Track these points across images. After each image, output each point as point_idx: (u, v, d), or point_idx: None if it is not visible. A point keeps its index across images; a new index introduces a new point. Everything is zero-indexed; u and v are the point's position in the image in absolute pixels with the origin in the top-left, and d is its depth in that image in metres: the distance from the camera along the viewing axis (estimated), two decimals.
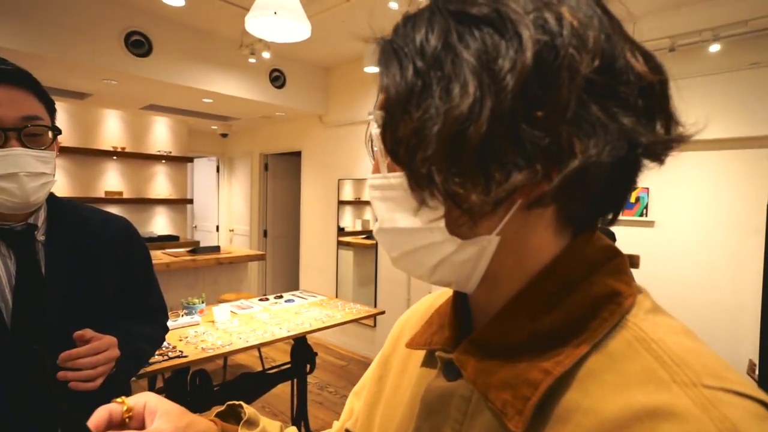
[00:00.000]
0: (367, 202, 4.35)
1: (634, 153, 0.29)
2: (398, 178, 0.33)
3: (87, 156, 4.39)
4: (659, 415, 0.26)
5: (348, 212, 4.49)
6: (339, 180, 4.32)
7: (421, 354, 0.46)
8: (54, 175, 0.87)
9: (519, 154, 0.28)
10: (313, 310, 2.64)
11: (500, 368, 0.33)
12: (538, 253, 0.34)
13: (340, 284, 4.40)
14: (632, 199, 2.84)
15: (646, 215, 2.81)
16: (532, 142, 0.28)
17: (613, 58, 0.29)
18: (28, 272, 0.84)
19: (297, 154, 4.92)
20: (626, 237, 2.80)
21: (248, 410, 0.51)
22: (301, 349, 2.50)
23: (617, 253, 0.36)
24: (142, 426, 0.42)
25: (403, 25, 0.33)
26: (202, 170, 6.43)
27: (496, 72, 0.28)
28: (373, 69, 3.58)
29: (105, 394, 0.76)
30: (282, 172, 5.59)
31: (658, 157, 0.31)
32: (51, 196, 0.91)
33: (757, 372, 2.25)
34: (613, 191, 0.33)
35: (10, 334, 0.80)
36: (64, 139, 4.21)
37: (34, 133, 0.81)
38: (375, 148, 0.37)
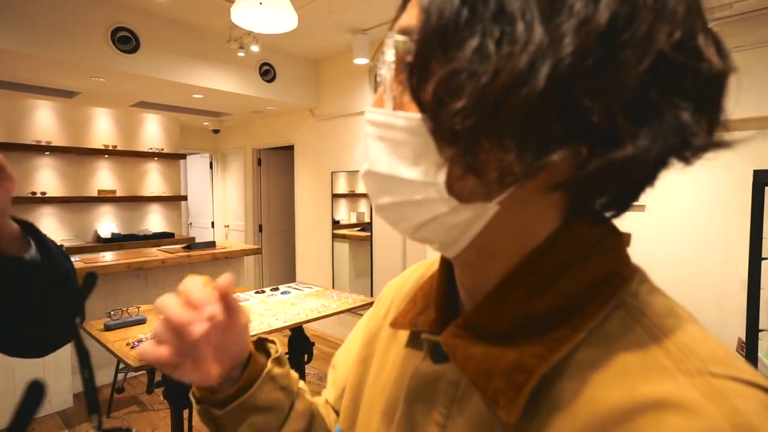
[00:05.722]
0: (362, 195, 4.36)
1: (682, 153, 0.25)
2: (406, 119, 0.29)
3: (78, 155, 4.35)
4: (665, 407, 0.24)
5: (342, 205, 4.51)
6: (332, 173, 4.32)
7: (405, 333, 0.44)
8: None
9: (565, 129, 0.24)
10: (308, 300, 2.66)
11: (491, 354, 0.31)
12: (535, 232, 0.31)
13: (337, 277, 4.42)
14: None
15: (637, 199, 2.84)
16: (584, 118, 0.24)
17: (689, 37, 0.24)
18: None
19: (290, 148, 4.92)
20: (617, 222, 2.83)
21: (279, 348, 0.48)
22: (299, 339, 2.53)
23: (615, 231, 0.33)
24: None
25: None
26: (195, 167, 6.41)
27: (557, 25, 0.23)
28: (363, 61, 3.62)
29: None
30: (275, 167, 5.59)
31: (689, 159, 0.27)
32: None
33: (744, 349, 2.31)
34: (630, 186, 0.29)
35: None
36: (54, 138, 4.20)
37: None
38: (379, 78, 0.32)
